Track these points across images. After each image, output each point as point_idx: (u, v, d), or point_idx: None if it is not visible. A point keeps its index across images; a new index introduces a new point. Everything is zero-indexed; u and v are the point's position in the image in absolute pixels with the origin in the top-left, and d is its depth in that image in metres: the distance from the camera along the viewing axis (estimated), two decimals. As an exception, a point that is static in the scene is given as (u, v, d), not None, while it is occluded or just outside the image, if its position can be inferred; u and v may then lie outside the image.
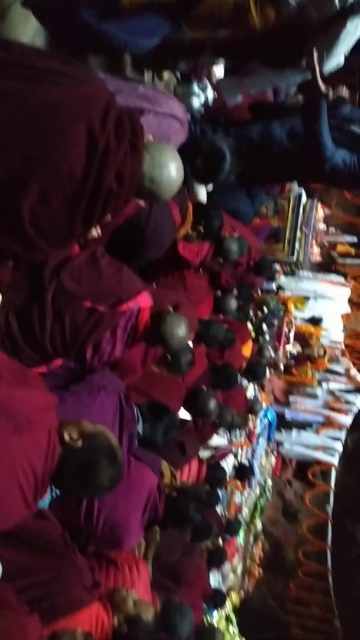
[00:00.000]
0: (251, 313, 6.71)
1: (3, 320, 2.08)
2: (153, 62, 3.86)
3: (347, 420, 8.51)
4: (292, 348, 7.95)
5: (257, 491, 7.16)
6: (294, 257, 7.99)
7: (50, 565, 2.27)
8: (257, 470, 6.77)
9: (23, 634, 1.59)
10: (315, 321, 8.24)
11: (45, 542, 2.32)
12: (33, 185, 1.45)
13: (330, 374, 8.61)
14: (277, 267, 7.33)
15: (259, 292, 6.85)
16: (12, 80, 1.49)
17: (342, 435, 8.52)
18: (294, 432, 8.47)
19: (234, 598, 6.31)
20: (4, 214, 1.51)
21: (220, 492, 5.24)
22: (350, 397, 8.59)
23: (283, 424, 8.40)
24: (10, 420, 1.50)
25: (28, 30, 2.64)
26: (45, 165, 1.45)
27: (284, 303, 7.78)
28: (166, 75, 4.25)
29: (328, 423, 8.51)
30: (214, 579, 5.33)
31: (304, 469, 8.53)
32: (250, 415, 6.23)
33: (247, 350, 5.29)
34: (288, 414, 8.51)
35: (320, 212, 8.36)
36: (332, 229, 8.80)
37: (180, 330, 2.36)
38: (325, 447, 8.46)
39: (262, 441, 7.05)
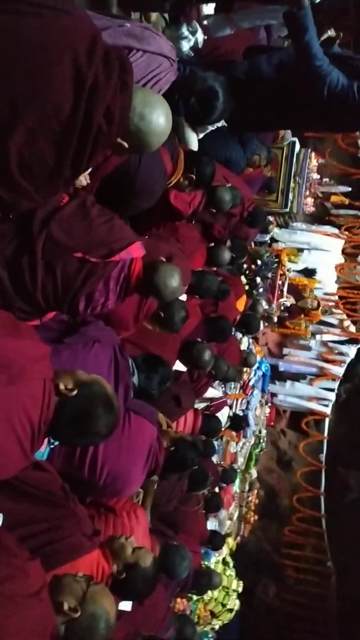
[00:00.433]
0: (244, 266, 6.68)
1: (-7, 273, 2.04)
2: (140, 3, 3.69)
3: (340, 371, 8.60)
4: (286, 300, 7.93)
5: (252, 441, 7.28)
6: (288, 209, 7.89)
7: (51, 514, 2.30)
8: (251, 421, 6.87)
9: (25, 578, 1.62)
10: (309, 273, 8.21)
11: (45, 493, 2.34)
12: (19, 124, 1.39)
13: (323, 325, 8.65)
14: (271, 219, 7.24)
15: (252, 244, 6.78)
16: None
17: (336, 385, 8.63)
18: (288, 383, 8.58)
19: (231, 543, 6.51)
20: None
21: (215, 443, 5.34)
22: (344, 349, 8.66)
23: (277, 376, 8.50)
24: (4, 371, 1.49)
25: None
26: (32, 102, 1.38)
27: (278, 255, 7.71)
28: (154, 17, 4.07)
29: (321, 374, 8.61)
30: (211, 525, 5.48)
31: (298, 419, 8.69)
32: (244, 368, 6.29)
33: (241, 304, 5.28)
34: (282, 366, 8.60)
35: (314, 161, 8.19)
36: (326, 179, 8.65)
37: (174, 281, 2.33)
38: (319, 398, 8.59)
39: (257, 393, 7.13)
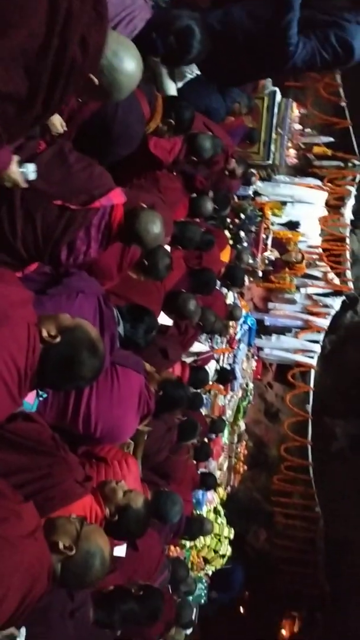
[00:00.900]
0: (228, 220, 6.63)
1: (-29, 223, 2.01)
2: None
3: (325, 323, 8.68)
4: (270, 254, 7.93)
5: (240, 394, 7.39)
6: (270, 161, 7.80)
7: (42, 463, 2.33)
8: (238, 374, 6.96)
9: (19, 519, 1.66)
10: (293, 226, 8.19)
11: (35, 442, 2.37)
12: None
13: (308, 278, 8.67)
14: (254, 171, 7.16)
15: (236, 198, 6.72)
16: None
17: (321, 337, 8.73)
18: (274, 337, 8.66)
19: (221, 493, 6.68)
20: None
21: (204, 397, 5.42)
22: (328, 301, 8.72)
23: (263, 330, 8.56)
24: (-13, 317, 1.49)
25: None
26: (5, 32, 1.33)
27: (261, 209, 7.66)
28: None
29: (307, 327, 8.69)
30: (202, 476, 5.60)
31: (284, 372, 8.80)
32: (230, 322, 6.33)
33: (225, 255, 5.26)
34: (267, 321, 8.66)
35: (295, 111, 8.07)
36: (308, 130, 8.52)
37: (155, 227, 2.31)
38: (304, 350, 8.69)
39: (243, 346, 7.20)
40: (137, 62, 1.80)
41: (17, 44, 1.35)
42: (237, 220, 6.88)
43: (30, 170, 1.99)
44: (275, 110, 7.52)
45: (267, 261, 7.94)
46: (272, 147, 7.61)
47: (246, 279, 6.75)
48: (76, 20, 1.41)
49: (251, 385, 7.91)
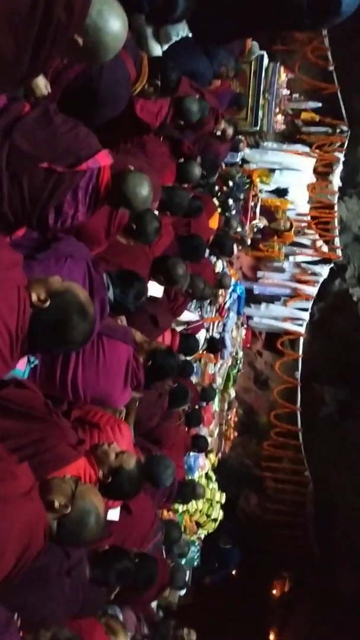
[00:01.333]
0: (216, 188, 6.58)
1: None
2: None
3: (313, 291, 8.71)
4: (259, 222, 7.89)
5: (229, 362, 7.44)
6: (258, 127, 7.71)
7: (34, 428, 2.35)
8: (228, 342, 6.99)
9: (15, 479, 1.68)
10: (281, 193, 8.13)
11: (29, 408, 2.39)
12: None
13: (296, 246, 8.66)
14: (242, 138, 7.08)
15: (223, 166, 6.66)
16: None
17: (309, 305, 8.77)
18: (263, 305, 8.69)
19: (213, 459, 6.78)
20: None
21: (194, 365, 5.46)
22: (317, 269, 8.73)
23: (252, 299, 8.58)
24: (-24, 279, 1.48)
25: None
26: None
27: (249, 176, 7.60)
28: None
29: (295, 295, 8.72)
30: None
31: (273, 340, 8.86)
32: (220, 290, 6.34)
33: (213, 222, 5.23)
34: (256, 289, 8.67)
35: (283, 76, 7.94)
36: (295, 95, 8.41)
37: (144, 189, 2.29)
38: (293, 318, 8.74)
39: (233, 315, 7.21)
40: (122, 22, 1.77)
41: (7, 6, 1.32)
42: (225, 188, 6.81)
43: None
44: (263, 75, 7.41)
45: (255, 229, 7.90)
46: (260, 113, 7.52)
47: (235, 247, 6.74)
48: None
49: (241, 354, 7.95)
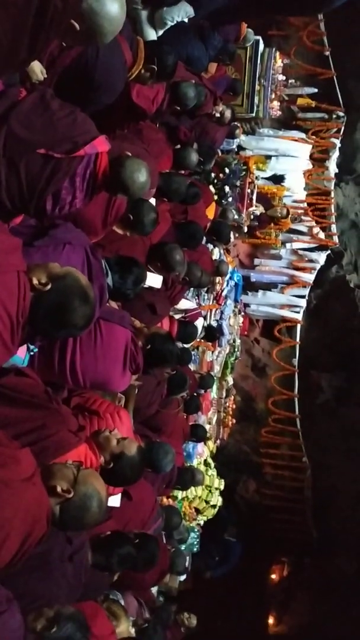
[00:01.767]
0: (212, 175, 6.55)
1: None
2: None
3: (310, 277, 8.72)
4: (255, 209, 7.87)
5: (227, 350, 7.46)
6: (254, 113, 7.67)
7: (36, 415, 2.36)
8: (226, 330, 7.00)
9: (17, 464, 1.69)
10: (277, 179, 8.11)
11: (29, 396, 2.39)
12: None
13: (293, 234, 8.65)
14: (238, 124, 7.03)
15: (220, 153, 6.63)
16: None
17: (306, 292, 8.78)
18: (260, 293, 8.69)
19: (211, 446, 6.82)
20: None
21: (192, 352, 5.47)
22: (313, 256, 8.73)
23: (249, 286, 8.59)
24: (-24, 264, 1.48)
25: None
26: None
27: (246, 163, 7.57)
28: None
29: (292, 282, 8.72)
30: (192, 430, 5.70)
31: (271, 327, 8.88)
32: (217, 278, 6.33)
33: (210, 211, 5.22)
34: (253, 277, 8.68)
35: (278, 61, 7.89)
36: (291, 81, 8.35)
37: (141, 175, 2.28)
38: (290, 305, 8.75)
39: (230, 302, 7.22)
40: (120, 5, 1.75)
41: None
42: (221, 175, 6.79)
43: None
44: (258, 60, 7.35)
45: (252, 216, 7.89)
46: (256, 99, 7.48)
47: (232, 235, 6.73)
48: None
49: (238, 341, 7.97)
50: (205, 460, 6.34)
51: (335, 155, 8.68)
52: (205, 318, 6.26)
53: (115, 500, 3.15)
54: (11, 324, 1.58)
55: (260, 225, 8.26)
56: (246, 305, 8.56)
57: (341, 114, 8.56)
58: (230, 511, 8.02)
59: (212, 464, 6.51)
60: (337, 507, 8.41)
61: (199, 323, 5.84)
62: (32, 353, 2.57)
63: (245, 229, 7.86)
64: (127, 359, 2.83)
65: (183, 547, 5.54)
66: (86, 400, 2.92)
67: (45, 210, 2.18)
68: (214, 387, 6.69)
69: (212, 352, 6.74)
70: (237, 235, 7.77)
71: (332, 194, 8.78)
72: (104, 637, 2.39)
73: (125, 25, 2.53)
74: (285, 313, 8.75)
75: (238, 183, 7.11)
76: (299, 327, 8.83)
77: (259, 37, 7.34)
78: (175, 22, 4.21)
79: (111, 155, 2.22)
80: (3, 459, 1.66)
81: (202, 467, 6.18)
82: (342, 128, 8.60)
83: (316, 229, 8.69)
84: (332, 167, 8.73)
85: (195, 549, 6.51)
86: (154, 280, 3.55)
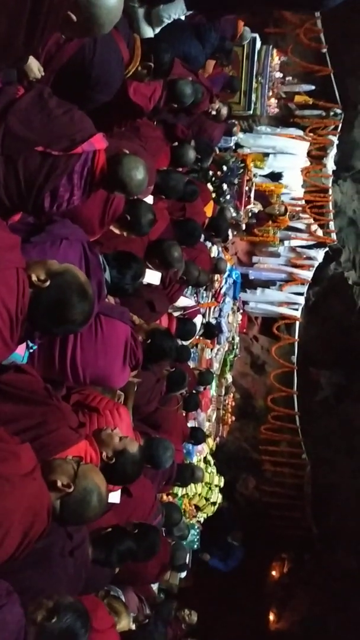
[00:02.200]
0: (210, 173, 6.55)
1: None
2: None
3: (309, 275, 8.73)
4: (253, 207, 7.87)
5: (226, 347, 7.47)
6: (251, 111, 7.67)
7: (36, 412, 2.37)
8: (224, 327, 7.01)
9: (18, 460, 1.70)
10: (275, 177, 8.11)
11: (29, 393, 2.41)
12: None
13: (291, 231, 8.66)
14: (235, 122, 7.04)
15: (217, 150, 6.63)
16: None
17: (305, 289, 8.79)
18: (259, 290, 8.70)
19: (211, 443, 6.83)
20: None
21: (191, 350, 5.48)
22: (312, 253, 8.73)
23: (247, 284, 8.59)
24: (-25, 261, 1.49)
25: None
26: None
27: (243, 161, 7.56)
28: None
29: (291, 279, 8.73)
30: (191, 427, 5.71)
31: (269, 325, 8.89)
32: (216, 275, 6.35)
33: (208, 209, 5.23)
34: (252, 274, 8.69)
35: (276, 59, 7.89)
36: (288, 78, 8.35)
37: (139, 173, 2.29)
38: (289, 302, 8.76)
39: (229, 300, 7.23)
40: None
41: None
42: (219, 173, 6.79)
43: None
44: (255, 58, 7.35)
45: (250, 214, 7.89)
46: (253, 97, 7.47)
47: (230, 232, 6.73)
48: None
49: (237, 339, 7.98)
50: (205, 458, 6.36)
51: (332, 152, 8.69)
52: (204, 315, 6.27)
53: (115, 497, 3.16)
54: (10, 320, 1.60)
55: (259, 223, 8.25)
56: (245, 302, 8.57)
57: (338, 111, 8.56)
58: (232, 513, 8.07)
59: (212, 462, 6.53)
60: (336, 503, 8.42)
61: (198, 320, 5.85)
62: (31, 350, 2.58)
63: (244, 227, 7.85)
64: (127, 354, 2.84)
65: (184, 543, 5.55)
66: (85, 397, 2.93)
67: (43, 207, 2.18)
68: (213, 384, 6.71)
69: (211, 349, 6.75)
70: (235, 232, 7.77)
71: (330, 191, 8.80)
72: (105, 631, 2.40)
73: (122, 22, 2.54)
74: (284, 310, 8.76)
75: (236, 181, 7.11)
76: (297, 324, 8.84)
77: (256, 35, 7.34)
78: (172, 19, 4.22)
79: (109, 153, 2.23)
80: (3, 454, 1.68)
81: (202, 465, 6.20)
82: (340, 125, 8.61)
83: (314, 226, 8.70)
84: (330, 164, 8.74)
85: (195, 546, 6.53)
86: (152, 277, 3.56)
